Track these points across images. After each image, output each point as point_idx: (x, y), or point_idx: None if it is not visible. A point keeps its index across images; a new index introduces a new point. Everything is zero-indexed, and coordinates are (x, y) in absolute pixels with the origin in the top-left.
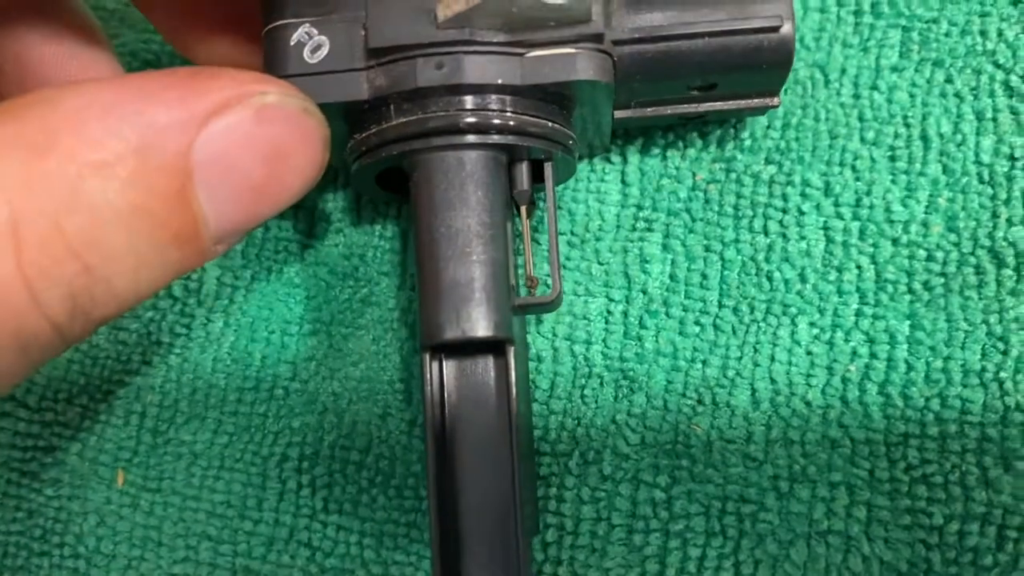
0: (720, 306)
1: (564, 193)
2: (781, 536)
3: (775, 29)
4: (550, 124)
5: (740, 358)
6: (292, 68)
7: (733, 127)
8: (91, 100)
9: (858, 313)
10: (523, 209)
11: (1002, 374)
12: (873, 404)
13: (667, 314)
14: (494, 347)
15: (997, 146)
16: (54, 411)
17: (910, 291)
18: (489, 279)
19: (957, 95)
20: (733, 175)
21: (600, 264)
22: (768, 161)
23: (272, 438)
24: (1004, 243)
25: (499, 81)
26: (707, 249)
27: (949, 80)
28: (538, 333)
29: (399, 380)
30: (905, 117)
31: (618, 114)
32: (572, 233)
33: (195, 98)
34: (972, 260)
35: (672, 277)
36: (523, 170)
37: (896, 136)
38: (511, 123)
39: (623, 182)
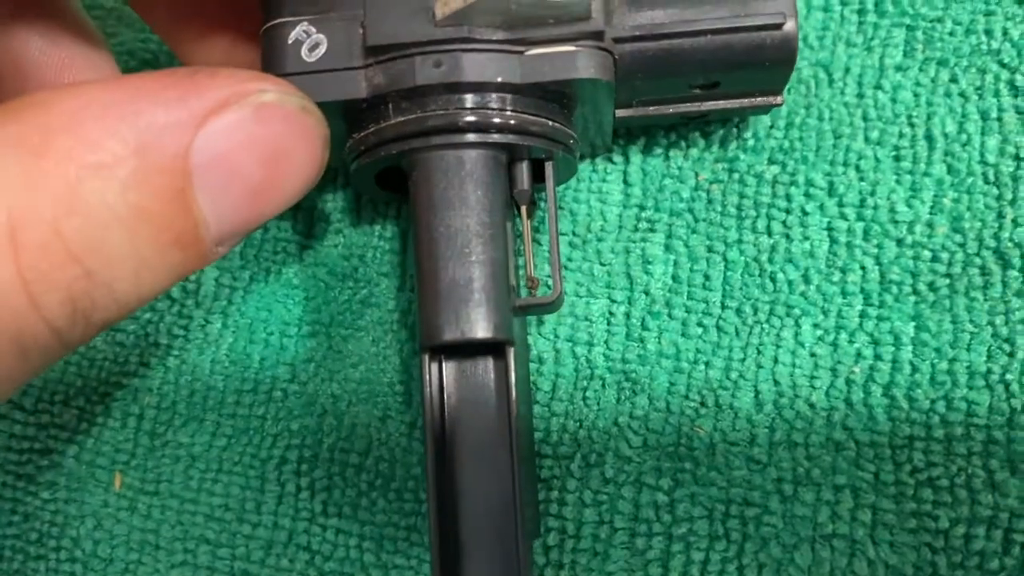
0: (723, 307)
1: (565, 193)
2: (785, 540)
3: (778, 26)
4: (550, 123)
5: (743, 360)
6: (290, 67)
7: (736, 127)
8: (88, 101)
9: (862, 314)
10: (523, 209)
11: (1008, 376)
12: (878, 406)
13: (670, 315)
14: (494, 348)
15: (1002, 146)
16: (50, 413)
17: (915, 292)
18: (489, 279)
19: (962, 94)
20: (736, 175)
21: (602, 265)
22: (771, 161)
23: (271, 440)
24: (1010, 244)
25: (498, 79)
26: (710, 250)
27: (954, 79)
28: (539, 334)
29: (399, 382)
30: (910, 117)
31: (619, 113)
32: (573, 233)
33: (193, 98)
34: (977, 261)
35: (675, 278)
36: (523, 169)
37: (901, 136)
38: (511, 122)
39: (625, 182)
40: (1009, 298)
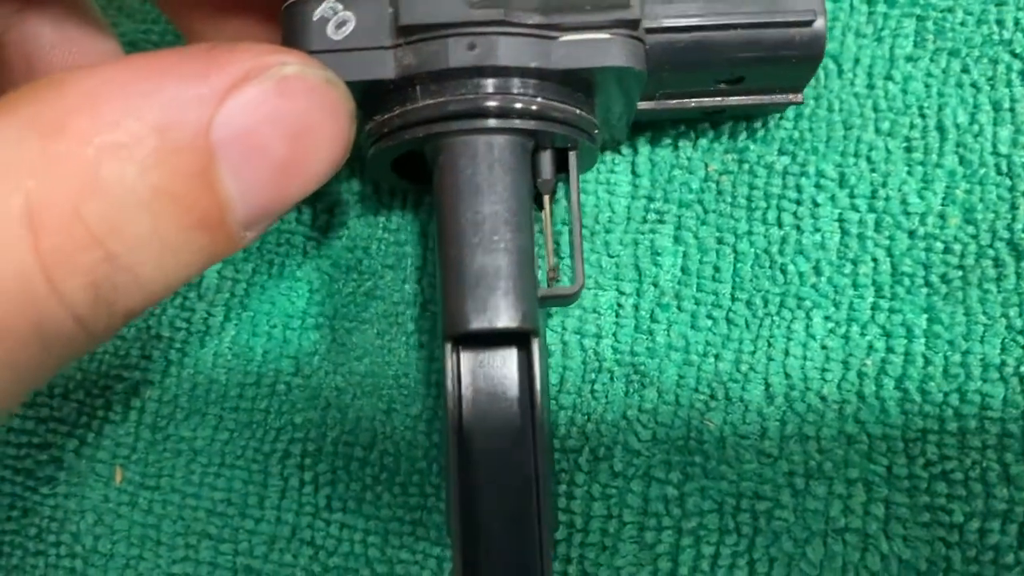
0: (733, 299)
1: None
2: (797, 534)
3: (808, 23)
4: (577, 111)
5: (754, 352)
6: (315, 44)
7: (745, 118)
8: (105, 80)
9: (874, 306)
10: (546, 198)
11: (1022, 368)
12: (890, 399)
13: (679, 307)
14: (519, 339)
15: (1015, 136)
16: (50, 407)
17: (927, 284)
18: (516, 268)
19: (974, 85)
20: (746, 166)
21: (610, 256)
22: (782, 152)
23: (274, 434)
24: (1023, 235)
25: (532, 64)
26: (720, 241)
27: (965, 70)
28: (547, 327)
29: (404, 375)
30: (921, 107)
31: (641, 105)
32: (582, 225)
33: (212, 73)
34: (990, 252)
35: (684, 270)
36: (547, 158)
37: (912, 127)
38: (542, 109)
39: (633, 173)
40: (1023, 289)
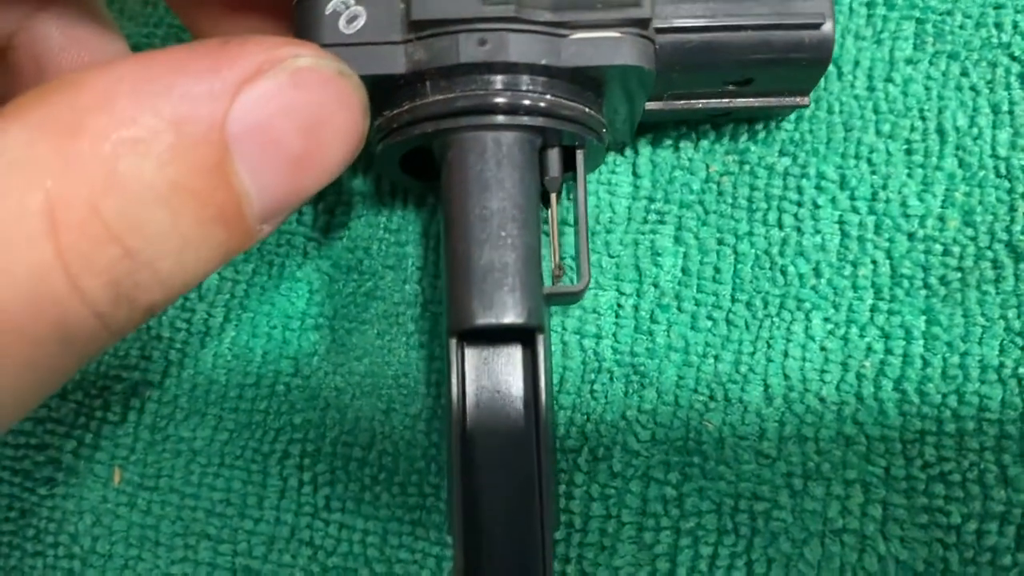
0: (733, 300)
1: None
2: (795, 535)
3: (817, 26)
4: (586, 110)
5: (753, 353)
6: (327, 38)
7: (747, 119)
8: (120, 77)
9: (873, 308)
10: (552, 196)
11: (1021, 370)
12: (889, 400)
13: (679, 308)
14: (524, 335)
15: (1014, 139)
16: (47, 407)
17: (926, 286)
18: (523, 264)
19: (973, 88)
20: (747, 167)
21: (611, 257)
22: (782, 153)
23: (273, 435)
24: (1022, 237)
25: (543, 62)
26: (720, 242)
27: (964, 73)
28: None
29: (403, 375)
30: (921, 110)
31: (649, 106)
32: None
33: (225, 67)
34: (989, 255)
35: (684, 271)
36: (555, 156)
37: (912, 129)
38: (550, 106)
39: (634, 174)
40: (1021, 292)
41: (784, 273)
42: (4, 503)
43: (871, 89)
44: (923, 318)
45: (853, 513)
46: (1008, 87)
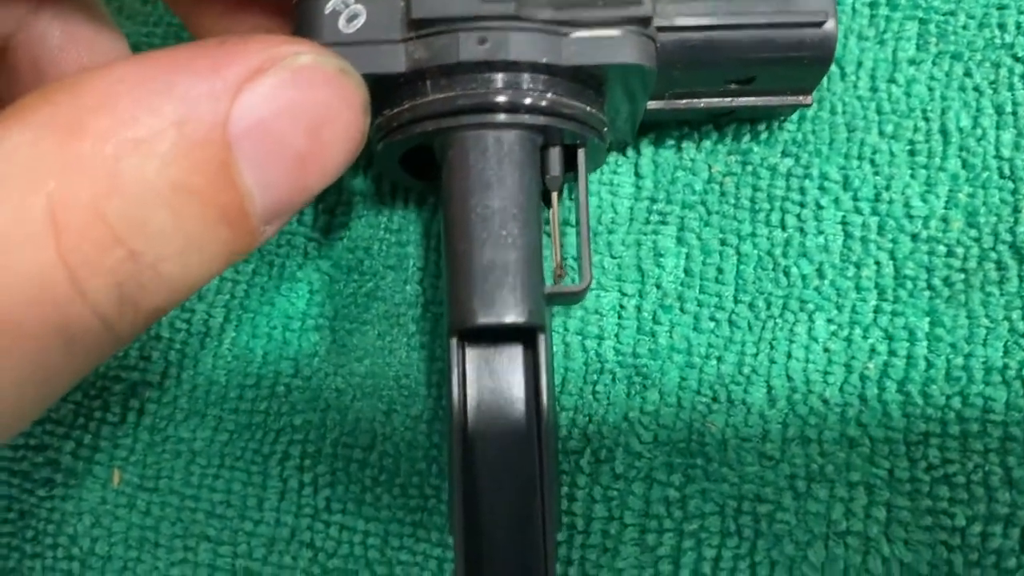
0: (736, 301)
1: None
2: (798, 537)
3: (819, 24)
4: (587, 108)
5: (756, 355)
6: (327, 37)
7: (749, 119)
8: (120, 78)
9: (877, 309)
10: (554, 196)
11: None
12: (892, 402)
13: (681, 309)
14: (525, 335)
15: (1017, 140)
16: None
17: (930, 287)
18: (524, 264)
19: (976, 89)
20: (749, 168)
21: (613, 258)
22: (785, 154)
23: (273, 436)
24: None
25: (543, 60)
26: (723, 243)
27: (968, 74)
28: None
29: (404, 376)
30: (924, 111)
31: (651, 105)
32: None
33: (227, 66)
34: (993, 256)
35: (687, 271)
36: (556, 155)
37: (915, 130)
38: (552, 104)
39: (636, 174)
40: None
41: (787, 274)
42: (3, 504)
43: (874, 90)
44: (927, 319)
45: (857, 515)
46: (1012, 88)
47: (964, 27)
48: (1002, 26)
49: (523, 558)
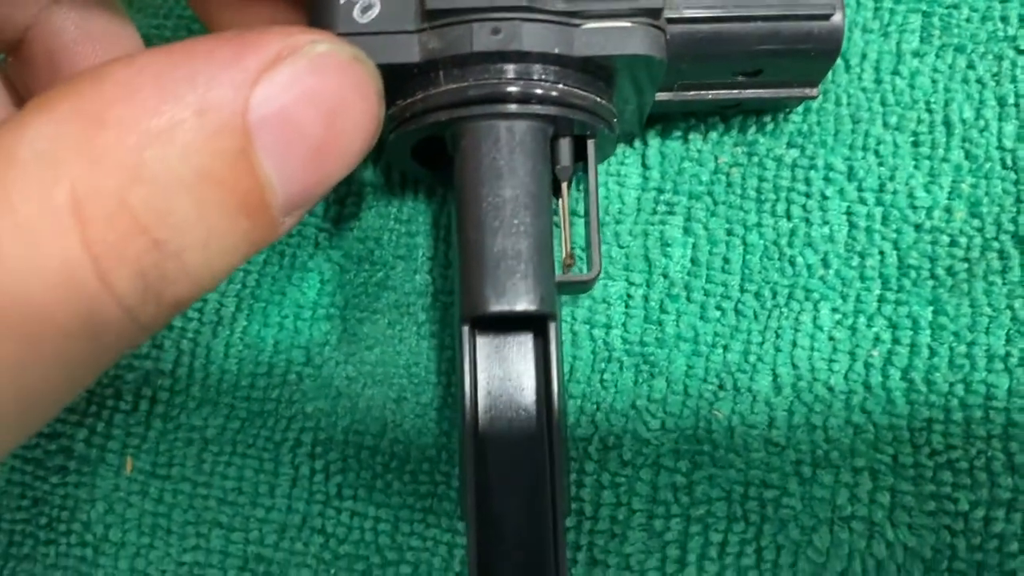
0: (742, 291)
1: (585, 175)
2: (804, 521)
3: (826, 17)
4: (597, 99)
5: (762, 343)
6: (341, 27)
7: (755, 111)
8: (141, 68)
9: (881, 299)
10: (564, 186)
11: None
12: (896, 389)
13: (688, 298)
14: (536, 323)
15: (1020, 131)
16: None
17: (933, 277)
18: (535, 252)
19: (979, 81)
20: (755, 158)
21: (620, 247)
22: (791, 145)
23: (285, 423)
24: None
25: (555, 51)
26: (729, 233)
27: (971, 66)
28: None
29: (414, 364)
30: (927, 103)
31: (659, 96)
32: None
33: (246, 55)
34: (996, 245)
35: (694, 261)
36: (566, 146)
37: (919, 121)
38: (563, 95)
39: (644, 165)
40: None
41: (792, 264)
42: (16, 491)
43: (878, 82)
44: (930, 308)
45: (861, 500)
46: (1014, 80)
47: (967, 20)
48: (1005, 19)
49: (534, 543)
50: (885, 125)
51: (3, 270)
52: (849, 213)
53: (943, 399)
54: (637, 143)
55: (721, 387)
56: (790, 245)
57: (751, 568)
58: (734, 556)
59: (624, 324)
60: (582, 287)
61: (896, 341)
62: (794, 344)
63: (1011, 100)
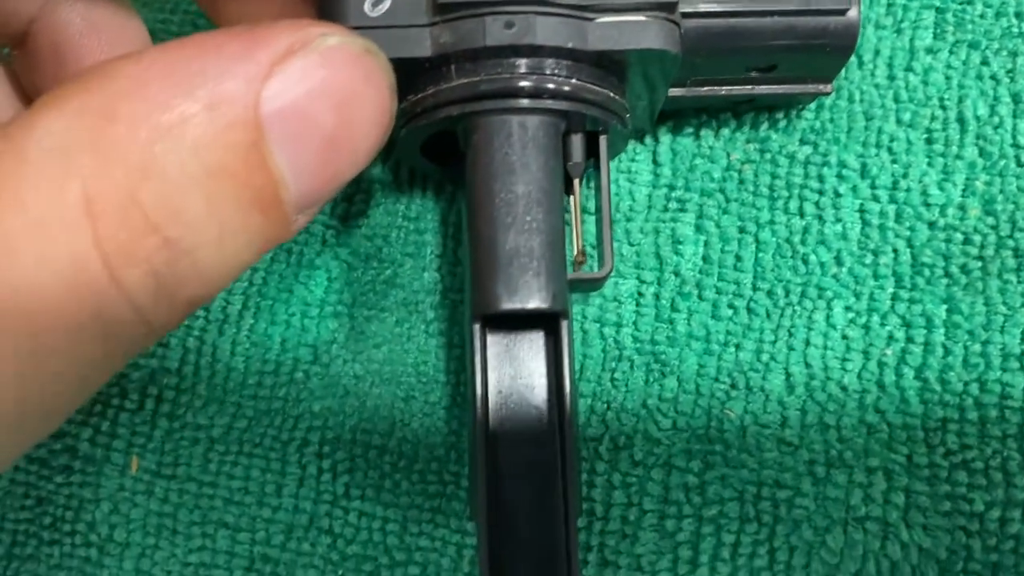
0: (754, 289)
1: (596, 172)
2: (817, 522)
3: (842, 12)
4: (610, 94)
5: (774, 342)
6: (352, 20)
7: (767, 108)
8: (151, 63)
9: (894, 297)
10: (575, 182)
11: None
12: (910, 389)
13: (700, 297)
14: (547, 321)
15: None
16: None
17: (947, 275)
18: (548, 249)
19: (993, 77)
20: (768, 155)
21: (631, 245)
22: (803, 142)
23: (292, 422)
24: None
25: (569, 45)
26: (741, 231)
27: (985, 62)
28: None
29: (423, 363)
30: (941, 99)
31: (672, 92)
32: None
33: (258, 49)
34: (1010, 243)
35: (705, 259)
36: (578, 141)
37: (933, 118)
38: (576, 90)
39: (655, 162)
40: None
41: (805, 262)
42: (20, 491)
43: (892, 78)
44: (944, 307)
45: (876, 501)
46: None
47: (981, 16)
48: (1019, 15)
49: (546, 544)
50: (898, 122)
51: (15, 268)
52: (862, 211)
53: (958, 398)
54: (648, 139)
55: (733, 386)
56: (803, 243)
57: (764, 569)
58: (747, 557)
59: (635, 322)
60: (593, 285)
61: (910, 340)
62: (807, 343)
63: None
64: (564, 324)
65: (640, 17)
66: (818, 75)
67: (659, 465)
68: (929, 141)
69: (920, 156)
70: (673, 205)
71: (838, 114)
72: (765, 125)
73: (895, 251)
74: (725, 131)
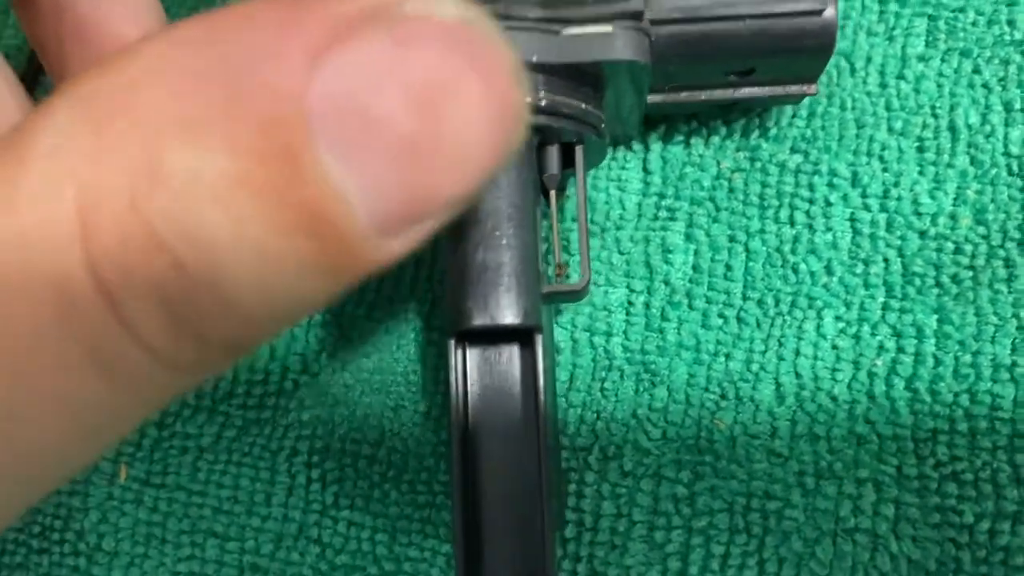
0: (744, 298)
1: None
2: (807, 534)
3: (818, 12)
4: (583, 106)
5: (764, 352)
6: None
7: (758, 115)
8: (168, 47)
9: (885, 307)
10: (552, 194)
11: None
12: (900, 399)
13: (690, 306)
14: (522, 335)
15: None
16: None
17: (938, 284)
18: (519, 264)
19: (985, 85)
20: (758, 164)
21: (621, 254)
22: (794, 150)
23: (281, 431)
24: None
25: (534, 59)
26: (731, 239)
27: (977, 70)
28: (557, 324)
29: (412, 372)
30: (933, 107)
31: (651, 98)
32: (592, 222)
33: (302, 22)
34: (1001, 253)
35: (695, 268)
36: (553, 153)
37: (924, 127)
38: (545, 103)
39: (645, 170)
40: None
41: (795, 271)
42: None
43: (883, 86)
44: (935, 316)
45: (865, 512)
46: (1020, 84)
47: (973, 24)
48: (1011, 23)
49: (523, 557)
50: (890, 130)
51: None
52: (853, 219)
53: (948, 409)
54: (638, 148)
55: (723, 396)
56: (793, 252)
57: None
58: (736, 569)
59: (625, 332)
60: (573, 296)
61: (900, 350)
62: (797, 353)
63: (1017, 105)
64: (538, 339)
65: (607, 28)
66: (800, 75)
67: (649, 476)
68: (920, 149)
69: (911, 164)
70: (663, 214)
71: (829, 122)
72: (756, 133)
73: (886, 260)
74: (715, 139)
